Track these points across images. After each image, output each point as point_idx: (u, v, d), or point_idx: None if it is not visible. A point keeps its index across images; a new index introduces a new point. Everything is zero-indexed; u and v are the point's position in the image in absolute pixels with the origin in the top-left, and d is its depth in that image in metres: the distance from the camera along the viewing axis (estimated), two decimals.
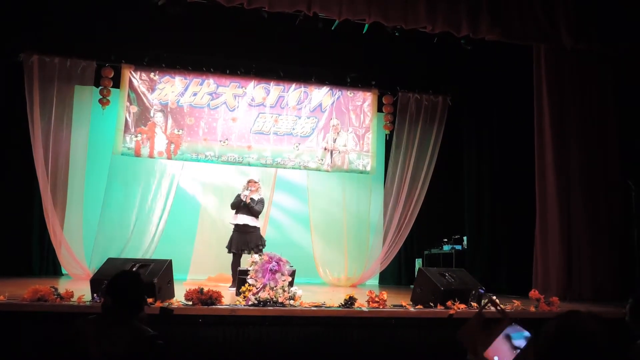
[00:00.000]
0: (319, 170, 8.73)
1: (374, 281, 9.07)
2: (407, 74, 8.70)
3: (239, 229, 6.96)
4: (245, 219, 6.97)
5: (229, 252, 6.96)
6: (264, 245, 6.92)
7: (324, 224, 8.85)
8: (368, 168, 8.85)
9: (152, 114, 8.21)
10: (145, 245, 8.00)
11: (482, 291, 5.31)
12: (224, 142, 8.37)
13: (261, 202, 7.16)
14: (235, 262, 6.90)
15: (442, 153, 8.84)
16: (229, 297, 5.03)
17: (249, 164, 8.39)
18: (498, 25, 6.65)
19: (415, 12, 6.52)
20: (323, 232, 8.80)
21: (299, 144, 8.58)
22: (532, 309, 5.16)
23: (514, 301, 5.31)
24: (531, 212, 7.14)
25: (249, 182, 7.11)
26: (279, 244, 7.91)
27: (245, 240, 6.91)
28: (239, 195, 7.12)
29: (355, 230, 8.89)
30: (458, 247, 8.46)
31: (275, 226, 9.01)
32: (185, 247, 8.34)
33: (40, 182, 7.54)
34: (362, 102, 8.99)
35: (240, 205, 6.95)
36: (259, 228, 7.10)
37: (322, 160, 8.66)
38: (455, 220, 8.86)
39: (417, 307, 5.01)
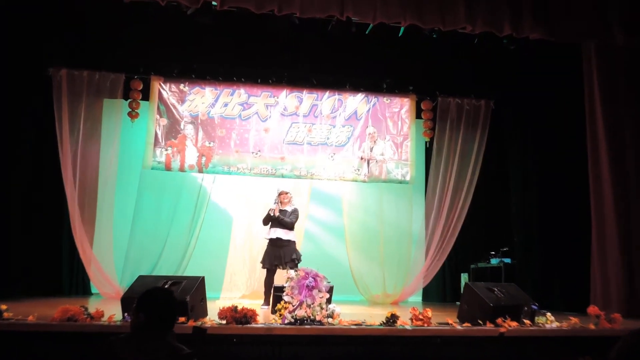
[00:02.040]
0: (356, 181, 8.69)
1: (417, 298, 8.97)
2: (447, 78, 8.60)
3: (273, 243, 6.96)
4: (277, 232, 6.97)
5: (263, 267, 6.99)
6: (299, 260, 6.90)
7: (361, 237, 8.84)
8: (407, 177, 8.79)
9: (182, 127, 8.31)
10: (177, 262, 8.05)
11: (536, 307, 5.15)
12: (257, 154, 8.41)
13: (294, 213, 7.13)
14: (269, 279, 6.89)
15: (485, 160, 8.73)
16: (263, 316, 5.00)
17: (282, 176, 8.42)
18: (543, 22, 6.49)
19: (453, 12, 6.43)
20: (360, 245, 8.78)
21: (334, 153, 8.57)
22: (592, 326, 4.98)
23: (571, 318, 5.13)
24: (585, 221, 6.94)
25: (279, 194, 7.14)
26: (314, 259, 7.84)
27: (278, 255, 6.89)
28: (268, 211, 7.18)
29: (395, 244, 8.83)
30: (507, 260, 8.29)
31: (311, 240, 9.02)
32: (218, 263, 8.40)
33: (68, 197, 7.64)
34: (400, 108, 8.95)
35: (271, 219, 6.99)
36: (294, 242, 7.05)
37: (358, 170, 8.64)
38: (503, 232, 8.70)
39: (464, 324, 4.89)
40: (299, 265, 6.72)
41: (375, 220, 8.90)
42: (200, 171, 8.30)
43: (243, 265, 8.32)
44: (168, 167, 8.19)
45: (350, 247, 8.72)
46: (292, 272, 4.97)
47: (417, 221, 8.87)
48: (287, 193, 7.14)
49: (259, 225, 7.59)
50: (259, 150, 8.44)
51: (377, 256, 8.76)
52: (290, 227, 7.04)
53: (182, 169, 8.23)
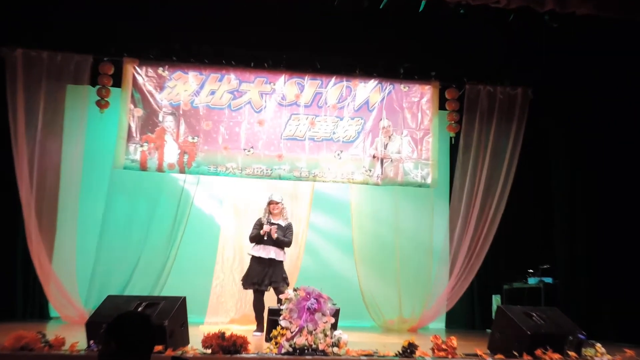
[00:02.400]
0: (367, 184, 8.71)
1: (439, 324, 9.01)
2: (476, 61, 8.57)
3: (261, 261, 7.02)
4: (270, 252, 7.06)
5: (246, 287, 7.04)
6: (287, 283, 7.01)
7: (372, 251, 8.89)
8: (428, 180, 8.77)
9: (160, 118, 8.32)
10: (153, 280, 8.05)
11: (583, 337, 5.13)
12: (249, 151, 8.43)
13: (290, 229, 7.22)
14: (259, 301, 6.96)
15: (523, 160, 8.71)
16: (256, 344, 5.01)
17: (280, 178, 8.42)
18: None
19: None
20: (371, 260, 8.83)
21: (341, 151, 8.60)
22: None
23: (626, 350, 5.14)
24: None
25: (268, 203, 7.21)
26: (317, 276, 8.05)
27: (264, 274, 6.96)
28: (259, 222, 7.19)
29: (413, 259, 8.89)
30: (548, 279, 8.29)
31: (313, 254, 9.04)
32: (203, 281, 8.38)
33: (23, 203, 7.61)
34: (420, 97, 8.94)
35: (257, 238, 7.07)
36: (283, 262, 7.22)
37: (370, 171, 8.65)
38: (544, 246, 8.70)
39: (496, 356, 4.89)
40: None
41: (389, 231, 8.92)
42: (182, 172, 8.31)
43: (232, 284, 8.30)
44: (144, 167, 8.19)
45: (359, 263, 8.72)
46: (290, 292, 4.97)
47: (439, 232, 8.88)
48: (278, 203, 7.20)
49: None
50: (252, 147, 8.44)
51: (392, 274, 8.78)
52: (288, 246, 7.19)
53: (160, 169, 8.23)
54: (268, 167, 8.46)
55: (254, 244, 7.08)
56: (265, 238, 6.99)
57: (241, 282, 7.17)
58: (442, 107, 8.93)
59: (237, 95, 8.52)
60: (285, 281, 6.94)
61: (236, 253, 8.53)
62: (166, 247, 8.21)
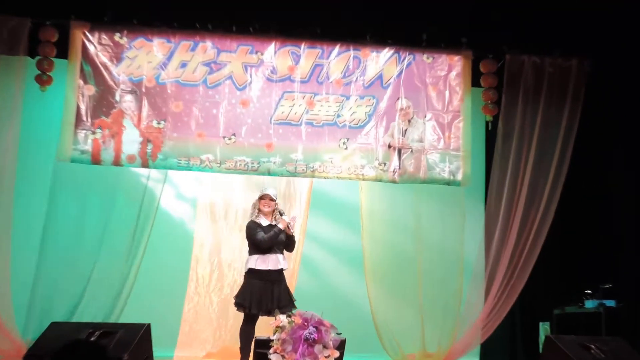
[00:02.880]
0: (381, 181, 8.67)
1: (473, 359, 8.95)
2: (519, 26, 8.56)
3: (263, 275, 7.06)
4: (278, 260, 7.17)
5: (244, 310, 7.00)
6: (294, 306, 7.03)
7: (387, 266, 8.88)
8: (458, 176, 8.71)
9: (117, 98, 8.25)
10: (109, 302, 8.02)
11: None
12: (230, 139, 8.38)
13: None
14: (248, 328, 6.97)
15: (578, 150, 8.67)
16: None
17: (269, 173, 8.39)
18: None
19: None
20: (386, 278, 8.84)
21: (348, 139, 8.54)
22: None
23: None
24: None
25: (260, 198, 7.28)
26: (317, 298, 8.12)
27: (270, 294, 7.01)
28: (254, 224, 7.21)
29: (439, 276, 8.89)
30: (610, 302, 8.23)
31: (311, 269, 9.06)
32: (172, 305, 8.41)
33: None
34: (447, 71, 8.87)
35: (277, 239, 7.13)
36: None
37: (384, 164, 8.62)
38: (604, 260, 8.66)
39: None
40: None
41: (409, 241, 8.93)
42: (145, 165, 8.27)
43: (209, 308, 8.34)
44: (96, 159, 8.13)
45: (371, 281, 8.69)
46: (282, 318, 4.95)
47: (472, 242, 8.87)
48: (273, 200, 7.29)
49: (232, 248, 7.92)
50: (234, 134, 8.39)
51: (413, 295, 8.76)
52: (293, 248, 7.43)
53: (117, 162, 8.17)
54: (254, 160, 8.38)
55: (255, 255, 7.12)
56: (282, 237, 7.13)
57: (234, 302, 7.14)
58: (476, 83, 8.87)
59: (215, 69, 8.45)
60: (293, 304, 6.99)
61: (214, 268, 8.54)
62: (125, 261, 8.17)
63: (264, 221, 7.20)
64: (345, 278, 9.21)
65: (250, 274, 7.09)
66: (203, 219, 8.80)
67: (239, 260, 8.03)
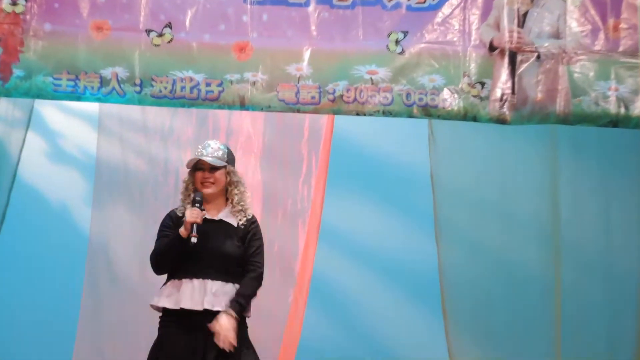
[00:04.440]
0: (474, 120, 5.86)
1: None
2: None
3: (186, 321, 5.25)
4: (206, 294, 5.21)
5: None
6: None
7: (482, 282, 6.68)
8: (638, 108, 6.00)
9: None
10: None
11: None
12: (161, 36, 5.68)
13: (257, 236, 5.42)
14: None
15: None
16: None
17: (241, 105, 5.76)
18: None
19: None
20: (478, 304, 6.66)
21: (405, 33, 5.74)
22: None
23: None
24: None
25: (193, 169, 5.44)
26: (344, 347, 6.99)
27: (200, 352, 5.33)
28: (171, 219, 5.45)
29: (592, 300, 6.65)
30: None
31: (331, 293, 7.13)
32: (59, 342, 6.86)
33: None
34: None
35: (183, 249, 5.28)
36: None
37: (480, 86, 5.74)
38: None
39: None
40: None
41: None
42: None
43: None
44: None
45: (451, 315, 6.47)
46: None
47: None
48: (216, 168, 5.40)
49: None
50: (168, 25, 5.67)
51: (546, 332, 6.59)
52: (256, 283, 5.42)
53: None
54: (210, 78, 5.64)
55: (167, 276, 5.39)
56: (195, 253, 5.30)
57: None
58: None
59: None
60: None
61: (124, 285, 6.64)
62: None
63: (206, 207, 5.38)
64: (400, 307, 7.21)
65: (162, 317, 5.42)
66: (106, 201, 6.66)
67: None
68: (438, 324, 6.40)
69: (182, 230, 4.98)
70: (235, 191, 5.23)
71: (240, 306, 5.07)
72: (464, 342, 6.45)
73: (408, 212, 7.16)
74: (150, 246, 5.60)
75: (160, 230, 5.27)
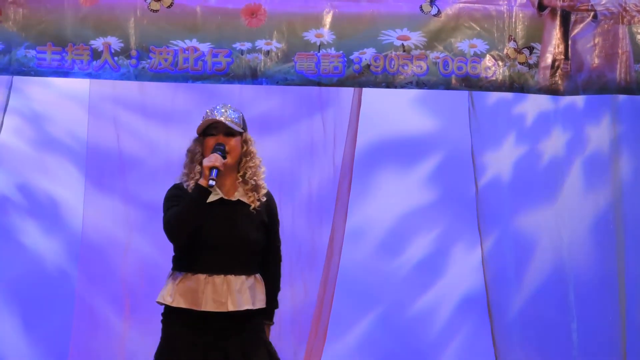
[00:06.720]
0: (521, 91, 5.66)
1: None
2: None
3: (199, 322, 4.52)
4: (228, 291, 4.56)
5: None
6: None
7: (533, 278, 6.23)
8: None
9: None
10: None
11: None
12: (158, 0, 5.43)
13: (273, 211, 4.82)
14: None
15: None
16: None
17: (253, 79, 5.49)
18: None
19: None
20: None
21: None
22: None
23: None
24: None
25: (203, 133, 4.69)
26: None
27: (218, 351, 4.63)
28: (176, 191, 4.66)
29: None
30: None
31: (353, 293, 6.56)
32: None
33: None
34: None
35: (204, 205, 4.59)
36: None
37: (528, 51, 5.58)
38: None
39: None
40: None
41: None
42: None
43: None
44: None
45: (499, 329, 5.99)
46: None
47: None
48: (231, 136, 4.61)
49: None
50: None
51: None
52: (277, 263, 4.78)
53: None
54: (217, 47, 5.31)
55: (177, 272, 4.55)
56: (212, 242, 4.59)
57: None
58: None
59: None
60: None
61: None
62: None
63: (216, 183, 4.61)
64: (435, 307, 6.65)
65: (171, 316, 4.59)
66: (99, 192, 6.01)
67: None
68: (483, 324, 5.99)
69: (202, 180, 4.42)
70: (251, 164, 4.57)
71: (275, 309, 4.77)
72: (511, 345, 5.96)
73: (446, 198, 6.67)
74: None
75: (167, 201, 4.63)
